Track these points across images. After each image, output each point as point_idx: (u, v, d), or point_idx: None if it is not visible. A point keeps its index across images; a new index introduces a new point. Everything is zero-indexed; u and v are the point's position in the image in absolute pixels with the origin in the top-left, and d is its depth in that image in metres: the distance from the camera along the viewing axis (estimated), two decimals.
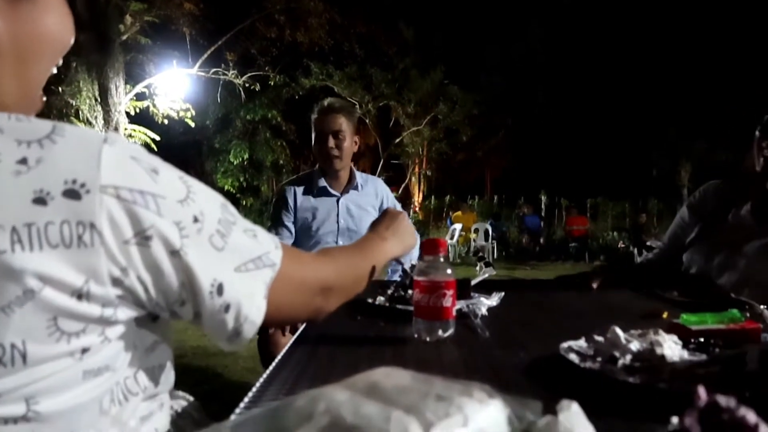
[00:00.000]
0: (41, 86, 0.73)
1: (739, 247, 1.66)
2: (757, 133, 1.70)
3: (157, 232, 0.61)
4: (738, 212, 1.76)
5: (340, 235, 2.62)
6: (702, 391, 0.44)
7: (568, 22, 19.10)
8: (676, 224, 1.94)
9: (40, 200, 0.55)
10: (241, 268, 0.69)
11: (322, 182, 2.63)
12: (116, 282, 0.60)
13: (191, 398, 0.94)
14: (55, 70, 0.75)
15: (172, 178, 0.65)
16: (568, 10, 18.82)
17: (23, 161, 0.56)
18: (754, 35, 14.91)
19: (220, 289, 0.67)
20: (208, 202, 0.68)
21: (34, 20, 0.68)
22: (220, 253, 0.67)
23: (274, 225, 2.60)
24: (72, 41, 0.75)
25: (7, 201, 0.55)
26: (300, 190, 2.64)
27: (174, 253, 0.62)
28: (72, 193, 0.57)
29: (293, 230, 2.60)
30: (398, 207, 2.78)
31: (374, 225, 1.16)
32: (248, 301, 0.70)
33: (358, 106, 19.10)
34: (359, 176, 2.73)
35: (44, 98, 0.75)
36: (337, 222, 2.63)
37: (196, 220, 0.65)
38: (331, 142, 2.55)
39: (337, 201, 2.65)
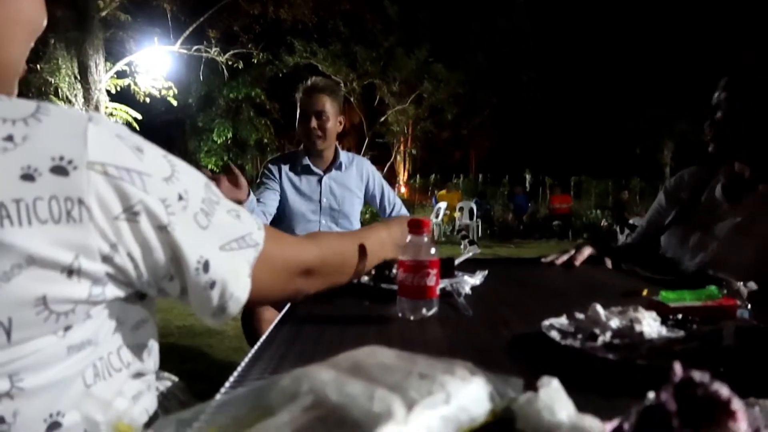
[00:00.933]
0: (18, 66, 0.73)
1: (711, 227, 1.69)
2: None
3: (144, 207, 0.62)
4: (711, 192, 1.78)
5: (322, 214, 2.64)
6: (677, 367, 0.45)
7: (552, 2, 19.02)
8: (653, 209, 1.97)
9: (27, 176, 0.56)
10: (225, 246, 0.71)
11: (306, 161, 2.64)
12: (106, 259, 0.60)
13: (176, 378, 0.95)
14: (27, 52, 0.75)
15: (156, 156, 0.66)
16: None
17: (9, 138, 0.56)
18: (734, 18, 14.97)
19: (206, 266, 0.68)
20: (192, 181, 0.69)
21: (6, 4, 0.69)
22: (204, 231, 0.68)
23: (261, 195, 2.59)
24: (45, 23, 0.75)
25: None
26: (285, 167, 2.64)
27: (161, 229, 0.63)
28: (59, 170, 0.57)
29: (277, 195, 2.60)
30: (386, 187, 2.80)
31: (386, 223, 1.21)
32: (233, 278, 0.71)
33: (342, 85, 18.97)
34: (344, 156, 2.72)
35: (25, 68, 0.76)
36: (320, 201, 2.64)
37: (180, 198, 0.66)
38: (314, 122, 2.55)
39: (320, 180, 2.65)
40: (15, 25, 0.70)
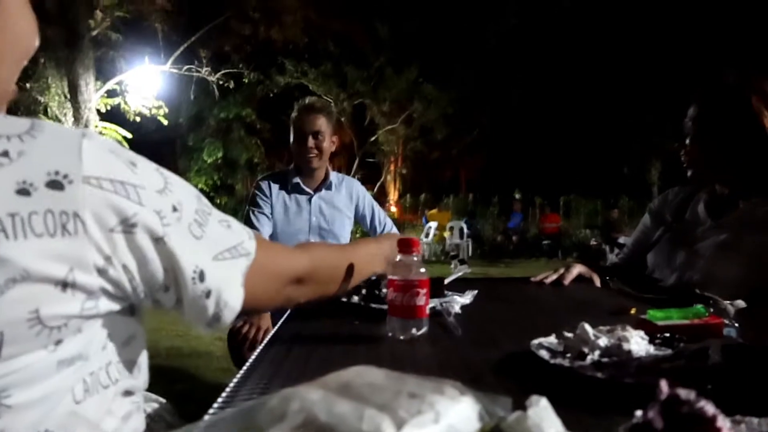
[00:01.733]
0: (7, 86, 0.74)
1: (696, 245, 1.70)
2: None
3: (140, 220, 0.63)
4: (694, 210, 1.80)
5: (311, 233, 2.64)
6: (664, 385, 0.45)
7: (541, 22, 19.28)
8: (639, 229, 1.99)
9: (23, 191, 0.56)
10: (218, 256, 0.72)
11: (296, 179, 2.64)
12: (100, 272, 0.61)
13: (163, 400, 0.94)
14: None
15: (149, 169, 0.67)
16: (542, 9, 18.99)
17: (5, 154, 0.57)
18: (721, 36, 15.23)
19: (201, 276, 0.69)
20: (185, 193, 0.70)
21: None
22: (198, 241, 0.69)
23: (253, 213, 2.58)
24: (37, 44, 0.76)
25: None
26: (275, 185, 2.64)
27: (157, 240, 0.64)
28: (55, 184, 0.58)
29: (270, 218, 2.60)
30: (376, 207, 2.81)
31: (377, 239, 1.23)
32: (227, 288, 0.72)
33: (333, 104, 19.06)
34: (334, 176, 2.73)
35: (16, 89, 0.76)
36: (309, 220, 2.64)
37: (174, 209, 0.67)
38: (311, 142, 2.56)
39: (310, 199, 2.66)
40: (6, 46, 0.71)
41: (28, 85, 10.92)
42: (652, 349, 0.90)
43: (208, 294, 0.70)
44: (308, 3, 15.51)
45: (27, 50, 0.74)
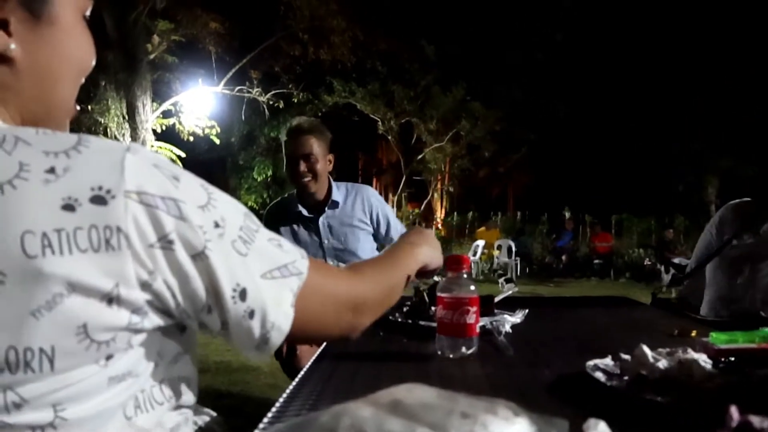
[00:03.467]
0: (68, 104, 0.76)
1: (760, 264, 1.63)
2: None
3: (179, 236, 0.62)
4: (758, 229, 1.73)
5: (328, 257, 2.53)
6: (734, 412, 0.43)
7: (589, 36, 19.02)
8: (702, 247, 1.90)
9: (68, 207, 0.57)
10: (266, 275, 0.69)
11: (298, 207, 2.54)
12: (144, 286, 0.61)
13: (214, 413, 0.95)
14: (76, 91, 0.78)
15: (192, 184, 0.66)
16: (590, 24, 18.74)
17: (51, 170, 0.58)
18: None
19: (243, 294, 0.67)
20: (230, 209, 0.69)
21: (55, 44, 0.71)
22: (243, 258, 0.67)
23: None
24: (93, 62, 0.78)
25: (38, 208, 0.57)
26: (278, 216, 2.57)
27: (196, 257, 0.63)
28: (98, 199, 0.58)
29: None
30: (392, 217, 2.66)
31: (403, 236, 1.14)
32: (274, 307, 0.69)
33: (380, 123, 19.20)
34: (339, 191, 2.59)
35: (77, 108, 0.78)
36: (321, 245, 2.53)
37: (217, 225, 0.65)
38: (303, 166, 2.43)
39: (316, 223, 2.54)
40: (63, 65, 0.73)
41: (90, 107, 11.39)
42: (716, 374, 0.86)
43: (251, 314, 0.68)
44: (356, 23, 15.73)
45: (84, 69, 0.76)
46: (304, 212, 2.54)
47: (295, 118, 2.59)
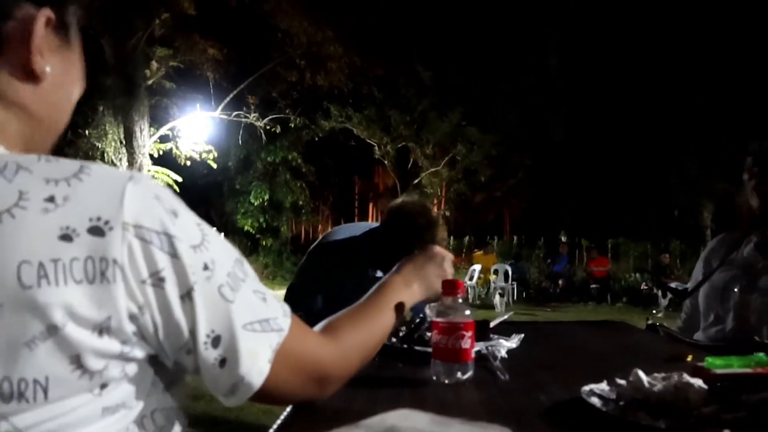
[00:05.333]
0: (64, 123, 0.77)
1: (751, 285, 1.64)
2: (744, 174, 1.70)
3: (170, 274, 0.62)
4: (743, 252, 1.74)
5: None
6: None
7: (585, 60, 19.25)
8: (695, 278, 1.92)
9: (66, 237, 0.57)
10: (247, 326, 0.68)
11: (367, 265, 2.27)
12: (132, 318, 0.61)
13: None
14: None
15: (189, 222, 0.66)
16: (585, 48, 18.98)
17: (51, 199, 0.58)
18: None
19: (216, 341, 0.65)
20: (222, 253, 0.68)
21: (68, 68, 0.74)
22: (227, 305, 0.66)
23: (299, 283, 2.32)
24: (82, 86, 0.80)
25: (35, 237, 0.57)
26: (339, 264, 2.28)
27: (183, 298, 0.63)
28: (96, 230, 0.58)
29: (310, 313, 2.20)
30: None
31: (408, 260, 1.11)
32: (249, 360, 0.68)
33: (377, 148, 19.30)
34: None
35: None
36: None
37: (206, 267, 0.64)
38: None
39: (374, 278, 2.18)
40: (75, 86, 0.75)
41: (87, 131, 11.44)
42: (711, 399, 0.86)
43: (222, 362, 0.66)
44: (352, 49, 15.91)
45: (78, 94, 0.78)
46: (378, 273, 2.25)
47: (422, 206, 2.26)
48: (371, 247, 2.30)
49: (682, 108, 17.57)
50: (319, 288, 2.25)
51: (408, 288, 1.05)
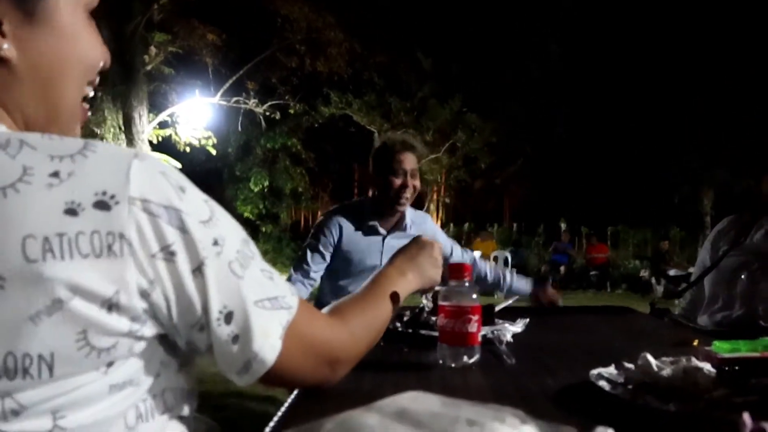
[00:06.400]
0: (74, 104, 0.74)
1: (761, 272, 1.63)
2: None
3: (180, 248, 0.61)
4: (753, 238, 1.73)
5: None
6: (748, 419, 0.42)
7: (586, 47, 19.15)
8: (700, 263, 1.91)
9: (71, 211, 0.56)
10: (258, 303, 0.67)
11: (373, 221, 2.45)
12: (143, 294, 0.60)
13: (214, 423, 0.94)
14: (91, 91, 0.77)
15: (197, 198, 0.66)
16: (586, 34, 18.87)
17: (55, 174, 0.57)
18: None
19: (228, 317, 0.65)
20: (230, 230, 0.68)
21: (53, 43, 0.69)
22: (238, 281, 0.66)
23: (311, 250, 2.41)
24: (102, 60, 0.76)
25: (40, 212, 0.56)
26: (348, 225, 2.44)
27: (194, 272, 0.62)
28: (102, 204, 0.57)
29: (328, 259, 2.42)
30: (453, 244, 2.63)
31: (400, 251, 1.10)
32: (261, 337, 0.67)
33: (377, 134, 19.26)
34: (409, 215, 2.55)
35: (87, 110, 0.78)
36: (381, 261, 2.42)
37: (215, 242, 0.64)
38: (409, 182, 2.37)
39: (383, 240, 2.47)
40: (64, 64, 0.70)
41: None
42: (720, 383, 0.85)
43: (234, 338, 0.66)
44: (353, 35, 15.82)
45: (89, 67, 0.74)
46: (381, 229, 2.45)
47: (396, 132, 2.59)
48: (371, 201, 2.48)
49: (682, 95, 17.51)
50: (329, 245, 2.41)
51: (403, 277, 1.04)
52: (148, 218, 0.59)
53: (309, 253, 2.40)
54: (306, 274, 2.38)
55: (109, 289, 0.57)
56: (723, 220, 1.93)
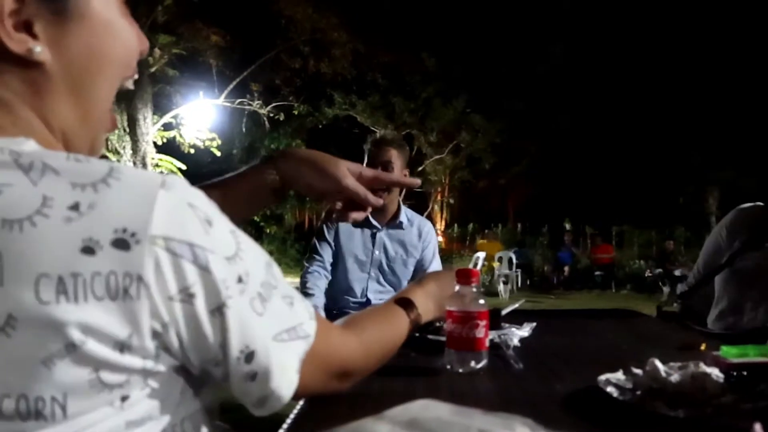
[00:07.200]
0: (106, 105, 0.70)
1: None
2: None
3: (200, 289, 0.58)
4: None
5: (372, 266, 2.63)
6: (759, 429, 0.42)
7: (590, 47, 19.12)
8: (711, 251, 1.84)
9: (88, 249, 0.53)
10: (277, 337, 0.65)
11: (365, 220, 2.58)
12: (156, 335, 0.58)
13: (226, 426, 0.94)
14: (131, 84, 0.73)
15: (224, 231, 0.62)
16: (590, 34, 18.83)
17: (75, 207, 0.54)
18: None
19: (249, 357, 0.63)
20: (255, 261, 0.65)
21: (86, 41, 0.65)
22: (260, 319, 0.63)
23: (318, 240, 2.64)
24: (139, 50, 0.72)
25: (55, 249, 0.53)
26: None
27: (214, 312, 0.59)
28: (121, 243, 0.54)
29: (329, 262, 2.63)
30: (437, 257, 2.73)
31: (433, 277, 1.13)
32: (279, 373, 0.65)
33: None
34: (406, 214, 2.70)
35: (116, 120, 0.73)
36: (372, 253, 2.63)
37: (240, 280, 0.61)
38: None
39: (376, 233, 2.64)
40: (98, 62, 0.67)
41: None
42: (728, 388, 0.85)
43: (253, 376, 0.64)
44: (357, 36, 15.83)
45: (125, 64, 0.70)
46: (371, 218, 2.59)
47: (380, 131, 2.74)
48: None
49: (686, 95, 17.47)
50: (331, 235, 2.63)
51: (427, 300, 1.05)
52: (170, 258, 0.56)
53: (318, 244, 2.63)
54: (321, 263, 2.61)
55: (123, 332, 0.55)
56: (739, 210, 1.82)
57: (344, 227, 2.63)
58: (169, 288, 0.56)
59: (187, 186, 0.61)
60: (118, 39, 0.69)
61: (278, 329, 0.65)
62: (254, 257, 0.65)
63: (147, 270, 0.55)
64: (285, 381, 0.66)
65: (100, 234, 0.54)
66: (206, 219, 0.60)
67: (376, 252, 2.62)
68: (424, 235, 2.70)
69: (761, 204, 1.79)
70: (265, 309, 0.64)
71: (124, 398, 0.58)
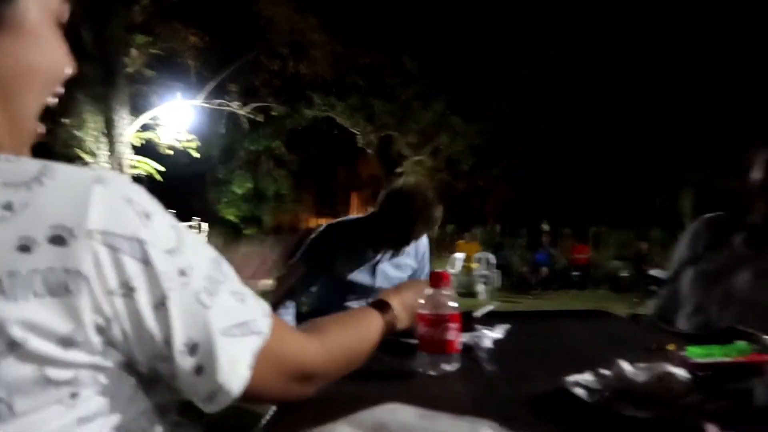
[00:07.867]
0: (33, 118, 0.69)
1: (734, 278, 1.65)
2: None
3: (141, 283, 0.58)
4: (731, 243, 1.74)
5: (373, 294, 2.48)
6: (712, 429, 0.43)
7: (567, 50, 19.31)
8: (677, 259, 1.90)
9: (24, 247, 0.53)
10: (226, 331, 0.64)
11: (368, 246, 2.48)
12: (100, 331, 0.57)
13: (198, 425, 0.93)
14: (54, 100, 0.72)
15: (164, 225, 0.62)
16: (568, 38, 19.02)
17: (8, 206, 0.54)
18: (756, 66, 15.04)
19: (193, 349, 0.62)
20: (198, 255, 0.64)
21: (16, 55, 0.65)
22: (205, 311, 0.62)
23: (303, 257, 2.45)
24: (66, 72, 0.72)
25: None
26: (345, 238, 2.48)
27: (158, 306, 0.59)
28: (58, 239, 0.54)
29: (317, 272, 2.45)
30: (427, 265, 2.66)
31: (411, 285, 1.13)
32: (228, 367, 0.64)
33: (360, 136, 19.27)
34: None
35: (42, 129, 0.71)
36: (373, 281, 2.50)
37: (183, 273, 0.61)
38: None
39: (377, 264, 2.51)
40: (26, 75, 0.66)
41: (65, 120, 11.25)
42: (693, 388, 0.87)
43: (199, 370, 0.63)
44: (336, 38, 15.81)
45: (51, 80, 0.70)
46: (375, 256, 2.48)
47: (429, 188, 2.62)
48: (371, 229, 2.44)
49: (662, 97, 17.73)
50: (317, 265, 2.42)
51: (399, 297, 1.06)
52: (108, 252, 0.56)
53: (304, 259, 2.46)
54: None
55: (66, 328, 0.55)
56: (700, 219, 1.91)
57: (346, 254, 2.46)
58: (110, 282, 0.56)
59: (126, 181, 0.61)
60: (50, 55, 0.69)
61: (227, 323, 0.65)
62: (197, 251, 0.65)
63: (86, 265, 0.55)
64: (234, 375, 0.65)
65: (36, 231, 0.54)
66: (144, 213, 0.60)
67: (378, 279, 2.50)
68: (420, 248, 2.62)
69: (721, 213, 1.85)
70: (213, 303, 0.63)
71: (73, 395, 0.57)
